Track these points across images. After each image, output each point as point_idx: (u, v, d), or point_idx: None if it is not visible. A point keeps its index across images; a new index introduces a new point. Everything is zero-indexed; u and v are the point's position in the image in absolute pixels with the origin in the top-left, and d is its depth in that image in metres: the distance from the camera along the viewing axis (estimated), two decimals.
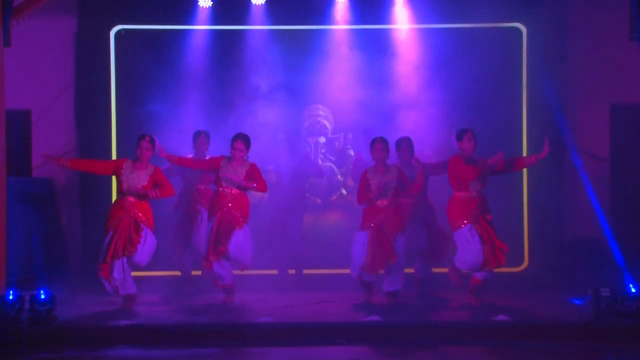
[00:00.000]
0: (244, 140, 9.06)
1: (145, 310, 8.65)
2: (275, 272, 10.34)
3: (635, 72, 10.81)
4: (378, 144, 9.03)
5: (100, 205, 10.74)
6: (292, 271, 10.36)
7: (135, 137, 9.19)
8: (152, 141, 8.98)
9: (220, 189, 8.99)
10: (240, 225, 8.93)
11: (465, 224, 8.71)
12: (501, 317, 8.04)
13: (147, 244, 8.83)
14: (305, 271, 10.50)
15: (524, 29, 11.01)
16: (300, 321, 8.13)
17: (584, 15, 11.09)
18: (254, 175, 9.04)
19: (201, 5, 10.95)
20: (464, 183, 8.78)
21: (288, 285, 10.04)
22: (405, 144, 9.53)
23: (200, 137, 9.88)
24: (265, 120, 10.75)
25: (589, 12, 11.07)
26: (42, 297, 7.86)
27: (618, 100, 11.18)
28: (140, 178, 8.86)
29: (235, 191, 8.99)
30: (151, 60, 10.97)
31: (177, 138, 10.83)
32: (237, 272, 9.12)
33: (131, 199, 8.83)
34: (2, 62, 8.44)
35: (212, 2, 10.93)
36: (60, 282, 9.82)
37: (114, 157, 10.80)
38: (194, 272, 9.99)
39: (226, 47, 11.09)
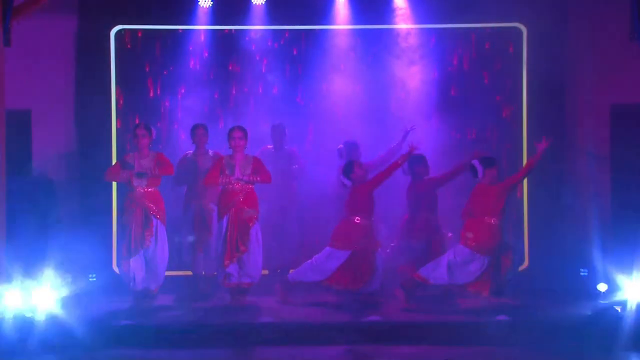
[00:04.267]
0: (241, 129, 9.09)
1: (149, 311, 8.65)
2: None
3: (635, 72, 10.79)
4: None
5: (100, 205, 10.76)
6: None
7: None
8: (148, 128, 9.00)
9: (229, 186, 8.98)
10: (253, 222, 8.94)
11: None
12: (501, 317, 8.04)
13: (159, 238, 8.83)
14: None
15: (524, 29, 11.01)
16: (300, 321, 8.13)
17: (584, 16, 11.08)
18: (259, 168, 9.04)
19: (201, 5, 10.95)
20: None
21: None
22: (418, 162, 9.60)
23: (198, 130, 9.88)
24: (265, 120, 10.75)
25: (589, 12, 11.05)
26: (42, 297, 7.86)
27: (618, 100, 11.16)
28: (144, 170, 8.86)
29: (243, 186, 8.97)
30: (151, 60, 10.98)
31: (177, 138, 10.87)
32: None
33: (140, 190, 8.83)
34: (2, 62, 8.44)
35: (212, 2, 10.92)
36: (60, 282, 9.80)
37: (113, 156, 10.79)
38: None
39: (226, 47, 11.09)
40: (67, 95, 11.12)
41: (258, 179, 8.98)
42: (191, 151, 9.92)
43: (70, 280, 10.09)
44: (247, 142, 9.09)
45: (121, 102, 10.93)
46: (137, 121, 10.52)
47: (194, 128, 9.91)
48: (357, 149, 10.04)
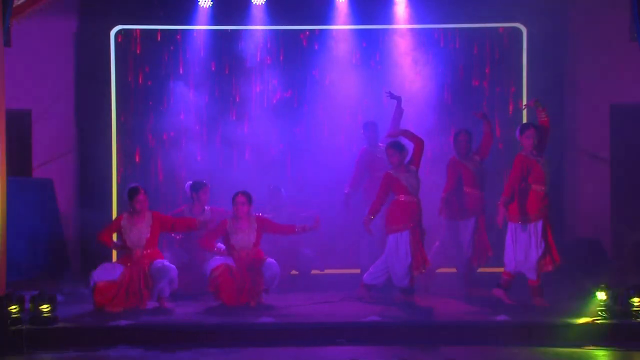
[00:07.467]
0: (245, 194, 8.98)
1: (148, 311, 8.66)
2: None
3: (635, 72, 10.81)
4: (390, 150, 8.93)
5: (100, 205, 10.77)
6: (295, 272, 10.32)
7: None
8: (145, 192, 8.85)
9: (235, 252, 8.94)
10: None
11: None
12: (501, 317, 8.04)
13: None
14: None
15: (524, 29, 11.02)
16: (300, 321, 8.13)
17: (584, 16, 11.10)
18: (267, 226, 9.01)
19: (201, 5, 10.96)
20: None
21: (288, 286, 10.05)
22: (463, 136, 9.52)
23: (203, 188, 9.67)
24: (265, 119, 10.76)
25: (589, 12, 11.07)
26: (42, 297, 7.86)
27: (618, 100, 11.18)
28: (141, 232, 8.74)
29: (249, 252, 8.95)
30: (151, 60, 10.99)
31: (177, 138, 10.88)
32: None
33: (138, 252, 8.73)
34: (2, 62, 8.43)
35: (212, 2, 10.94)
36: (61, 282, 9.82)
37: (113, 156, 10.82)
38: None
39: (226, 47, 11.09)
40: (67, 95, 11.13)
41: (278, 234, 9.13)
42: (186, 205, 9.77)
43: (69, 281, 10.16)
44: (252, 205, 8.96)
45: (122, 111, 10.95)
46: (135, 122, 10.58)
47: (197, 186, 9.67)
48: (376, 128, 10.00)
